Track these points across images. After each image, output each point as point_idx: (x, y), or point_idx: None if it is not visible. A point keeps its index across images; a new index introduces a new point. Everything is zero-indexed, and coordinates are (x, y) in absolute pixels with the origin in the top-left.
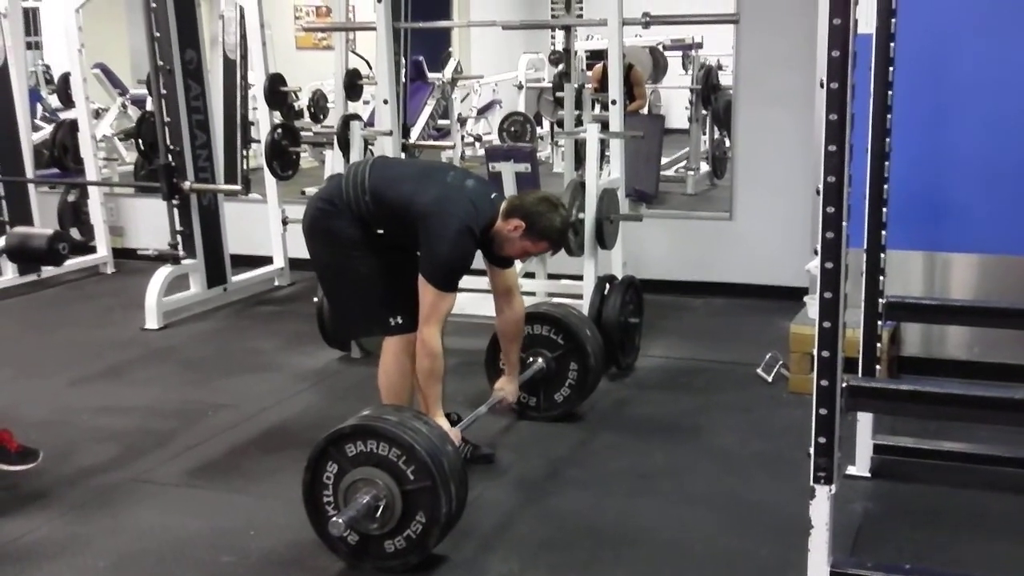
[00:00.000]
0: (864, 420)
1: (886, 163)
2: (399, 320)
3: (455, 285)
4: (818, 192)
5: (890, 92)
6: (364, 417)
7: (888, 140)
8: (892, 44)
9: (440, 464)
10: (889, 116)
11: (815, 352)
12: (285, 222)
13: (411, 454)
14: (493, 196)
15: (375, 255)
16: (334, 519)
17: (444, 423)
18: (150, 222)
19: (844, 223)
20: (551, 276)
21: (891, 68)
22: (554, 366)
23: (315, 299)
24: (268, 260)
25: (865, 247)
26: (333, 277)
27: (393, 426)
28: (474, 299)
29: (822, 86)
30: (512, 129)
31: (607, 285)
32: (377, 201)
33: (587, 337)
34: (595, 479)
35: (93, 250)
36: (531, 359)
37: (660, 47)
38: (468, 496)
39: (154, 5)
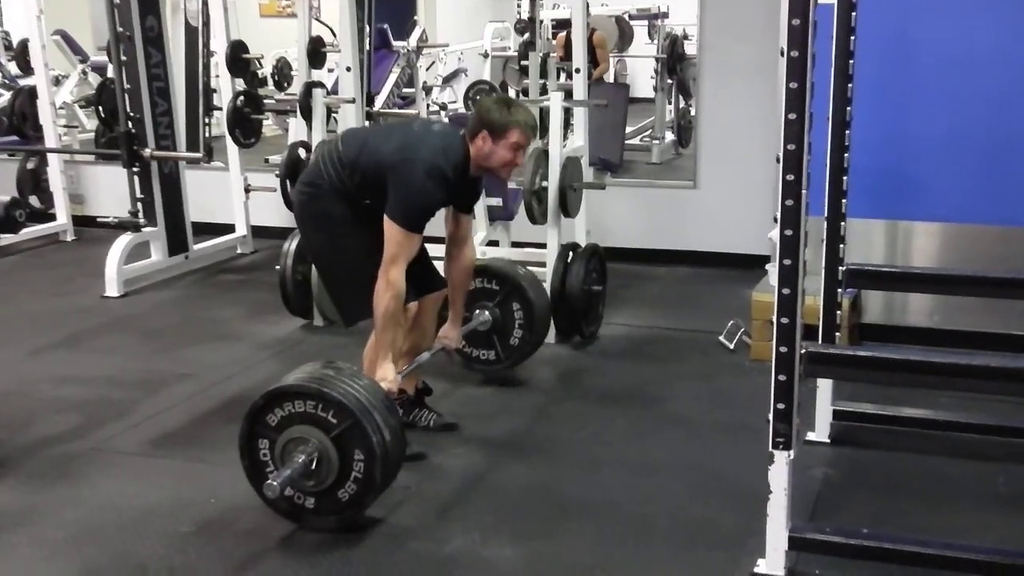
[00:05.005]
0: (824, 387)
1: (847, 132)
2: None
3: (422, 226)
4: (778, 160)
5: (851, 61)
6: (272, 387)
7: (849, 109)
8: (854, 13)
9: (355, 398)
10: (850, 85)
11: (774, 319)
12: (247, 190)
13: (323, 399)
14: (462, 133)
15: (366, 231)
16: (268, 482)
17: (391, 368)
18: (111, 190)
19: (803, 191)
20: (515, 244)
21: (852, 38)
22: (498, 313)
23: (277, 267)
24: (230, 228)
25: (825, 215)
26: (329, 260)
27: (299, 381)
28: None
29: (783, 54)
30: (478, 98)
31: (571, 253)
32: (354, 170)
33: (520, 274)
34: (558, 448)
35: (53, 218)
36: (476, 311)
37: (626, 16)
38: (432, 464)
39: None
